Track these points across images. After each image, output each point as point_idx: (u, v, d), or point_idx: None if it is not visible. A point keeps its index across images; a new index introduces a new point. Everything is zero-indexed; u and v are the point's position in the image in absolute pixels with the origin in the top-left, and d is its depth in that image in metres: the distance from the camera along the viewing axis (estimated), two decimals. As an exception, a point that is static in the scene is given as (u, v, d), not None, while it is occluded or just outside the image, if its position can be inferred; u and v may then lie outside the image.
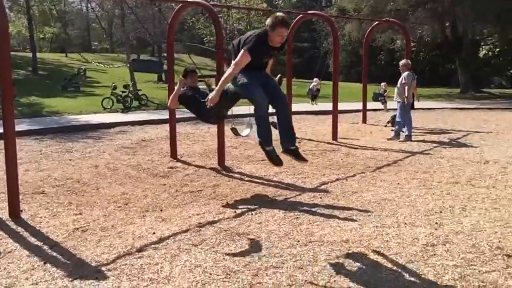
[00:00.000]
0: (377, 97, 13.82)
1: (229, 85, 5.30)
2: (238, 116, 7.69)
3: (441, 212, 4.96)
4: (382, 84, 14.39)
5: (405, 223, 4.60)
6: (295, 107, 11.97)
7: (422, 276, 3.47)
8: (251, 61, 4.31)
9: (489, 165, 7.26)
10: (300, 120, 13.10)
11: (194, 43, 33.82)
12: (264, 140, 4.52)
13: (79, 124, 11.93)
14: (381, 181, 6.32)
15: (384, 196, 5.57)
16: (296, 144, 4.61)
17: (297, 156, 4.51)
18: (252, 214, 4.97)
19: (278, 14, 4.32)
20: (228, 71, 4.46)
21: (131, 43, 34.46)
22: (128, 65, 15.50)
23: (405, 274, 3.50)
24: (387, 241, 4.15)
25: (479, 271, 3.52)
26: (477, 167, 7.15)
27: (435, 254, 3.84)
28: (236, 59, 4.34)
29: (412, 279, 3.43)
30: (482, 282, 3.35)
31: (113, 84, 16.13)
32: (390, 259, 3.77)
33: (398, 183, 6.20)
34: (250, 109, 6.24)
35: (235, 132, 6.63)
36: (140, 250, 4.00)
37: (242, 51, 4.28)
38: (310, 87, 16.54)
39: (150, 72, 16.09)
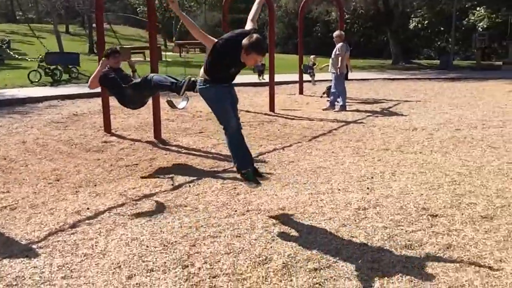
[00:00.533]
0: (306, 70, 13.85)
1: (153, 75, 5.09)
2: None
3: (372, 177, 5.18)
4: (311, 56, 14.37)
5: (339, 189, 4.77)
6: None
7: (354, 238, 3.63)
8: (220, 68, 4.10)
9: (417, 132, 7.65)
10: (237, 92, 13.04)
11: (126, 14, 32.57)
12: (240, 164, 4.23)
13: (4, 99, 11.17)
14: (316, 150, 6.49)
15: (319, 164, 5.73)
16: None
17: (259, 174, 4.39)
18: (189, 186, 4.95)
19: (256, 38, 3.85)
20: (192, 22, 4.18)
21: (59, 13, 32.62)
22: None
23: (338, 237, 3.64)
24: (321, 206, 4.29)
25: (406, 231, 3.73)
26: (406, 134, 7.51)
27: (366, 217, 4.02)
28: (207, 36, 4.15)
29: (345, 240, 3.58)
30: (409, 241, 3.56)
31: (40, 57, 15.20)
32: (324, 223, 3.91)
33: (333, 152, 6.40)
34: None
35: (171, 104, 6.49)
36: (73, 226, 3.87)
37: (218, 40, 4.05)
38: None
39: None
